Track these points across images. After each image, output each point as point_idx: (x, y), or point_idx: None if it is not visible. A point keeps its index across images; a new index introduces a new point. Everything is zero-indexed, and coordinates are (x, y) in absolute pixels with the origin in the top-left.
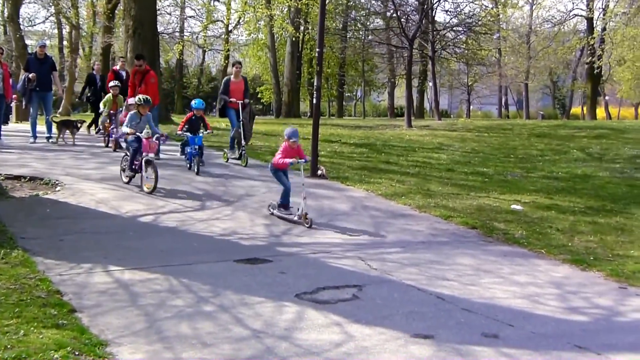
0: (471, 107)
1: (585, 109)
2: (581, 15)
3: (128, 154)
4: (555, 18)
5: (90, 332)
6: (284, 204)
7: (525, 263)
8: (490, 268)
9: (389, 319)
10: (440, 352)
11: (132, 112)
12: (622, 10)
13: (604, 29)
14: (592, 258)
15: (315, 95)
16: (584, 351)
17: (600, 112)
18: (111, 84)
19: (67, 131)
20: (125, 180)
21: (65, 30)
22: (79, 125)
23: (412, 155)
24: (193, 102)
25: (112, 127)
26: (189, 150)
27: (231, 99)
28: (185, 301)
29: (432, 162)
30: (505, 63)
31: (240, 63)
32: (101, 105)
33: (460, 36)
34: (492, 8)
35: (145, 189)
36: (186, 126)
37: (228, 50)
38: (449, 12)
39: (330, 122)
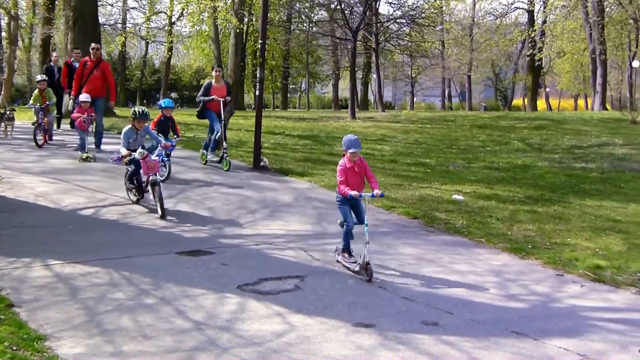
0: (415, 99)
1: (526, 100)
2: (522, 8)
3: (129, 169)
4: (497, 10)
5: (29, 326)
6: (347, 248)
7: (465, 252)
8: (431, 257)
9: (330, 308)
10: (382, 341)
11: (126, 128)
12: (561, 4)
13: (544, 22)
14: (530, 246)
15: (258, 87)
16: (521, 337)
17: (541, 103)
18: (38, 77)
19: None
20: (134, 199)
21: (4, 21)
22: (8, 114)
23: None
24: (162, 102)
25: (39, 120)
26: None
27: (212, 97)
28: (126, 294)
29: (375, 153)
30: (448, 55)
31: (220, 67)
32: (31, 101)
33: (404, 28)
34: (435, 0)
35: (159, 212)
36: (156, 128)
37: (171, 42)
38: (392, 4)
39: (275, 114)
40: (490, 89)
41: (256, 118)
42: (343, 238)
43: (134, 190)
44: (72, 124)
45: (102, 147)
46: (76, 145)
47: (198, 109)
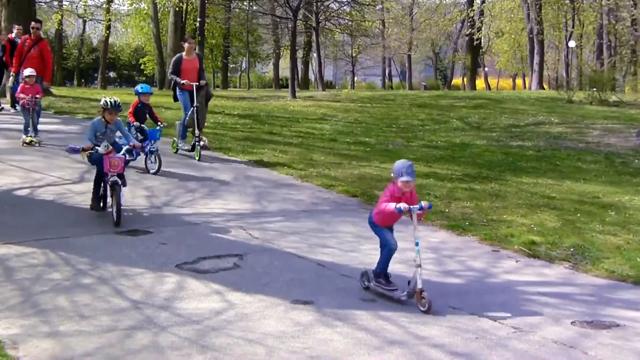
0: (355, 78)
1: (465, 79)
2: None
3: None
4: None
5: None
6: (384, 272)
7: (404, 229)
8: (370, 235)
9: (269, 286)
10: (320, 317)
11: (96, 119)
12: None
13: (483, 2)
14: (467, 223)
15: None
16: (457, 311)
17: (480, 82)
18: None
19: None
20: (98, 206)
21: None
22: None
23: (295, 125)
24: (138, 87)
25: None
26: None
27: (184, 81)
28: (63, 274)
29: (315, 132)
30: (389, 35)
31: (193, 38)
32: None
33: (344, 7)
34: None
35: (115, 218)
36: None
37: (109, 20)
38: None
39: (215, 93)
40: (430, 68)
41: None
42: (380, 261)
43: (98, 195)
44: (13, 103)
45: (39, 127)
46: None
47: (172, 92)
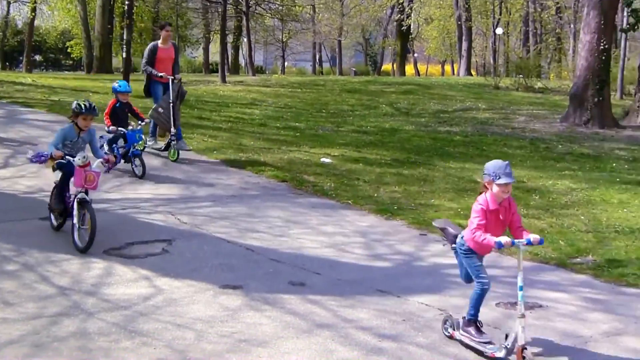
0: (286, 63)
1: (395, 65)
2: None
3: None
4: None
5: None
6: (475, 318)
7: (333, 214)
8: (299, 219)
9: (198, 271)
10: (249, 301)
11: (66, 126)
12: None
13: None
14: (396, 208)
15: (125, 49)
16: (385, 294)
17: (409, 68)
18: None
19: None
20: (55, 223)
21: None
22: None
23: (225, 110)
24: (116, 84)
25: None
26: (117, 149)
27: (161, 74)
28: None
29: (245, 117)
30: (319, 20)
31: (170, 25)
32: None
33: None
34: None
35: (78, 243)
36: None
37: (35, 2)
38: None
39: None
40: (361, 54)
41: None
42: (471, 305)
43: (57, 211)
44: None
45: None
46: None
47: (144, 84)
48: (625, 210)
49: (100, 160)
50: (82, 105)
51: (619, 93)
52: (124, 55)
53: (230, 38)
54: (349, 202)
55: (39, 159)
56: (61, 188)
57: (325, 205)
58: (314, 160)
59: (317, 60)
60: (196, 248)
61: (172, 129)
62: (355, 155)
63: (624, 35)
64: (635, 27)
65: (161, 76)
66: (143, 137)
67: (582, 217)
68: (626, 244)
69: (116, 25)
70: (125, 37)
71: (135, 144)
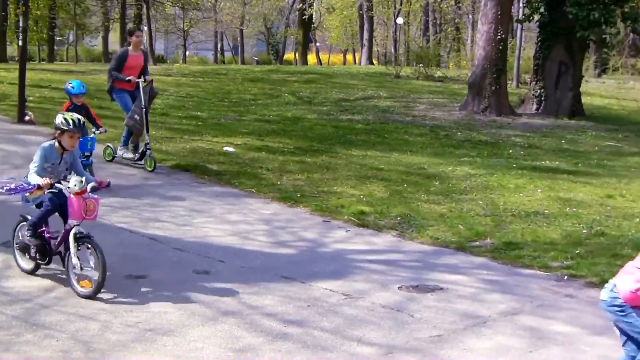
0: (187, 52)
1: (297, 54)
2: None
3: (26, 217)
4: None
5: None
6: None
7: (236, 202)
8: (203, 208)
9: None
10: (153, 291)
11: (46, 144)
12: None
13: None
14: (299, 195)
15: (21, 37)
16: (289, 281)
17: (311, 58)
18: None
19: None
20: (27, 266)
21: None
22: None
23: None
24: (69, 86)
25: None
26: None
27: (128, 78)
28: None
29: None
30: (221, 9)
31: (141, 30)
32: None
33: None
34: None
35: (79, 288)
36: None
37: None
38: None
39: (40, 67)
40: (263, 43)
41: (20, 70)
42: None
43: (33, 248)
44: None
45: None
46: None
47: (109, 90)
48: (521, 194)
49: (92, 183)
50: (70, 121)
51: (515, 82)
52: (20, 43)
53: (130, 26)
54: (252, 190)
55: (19, 191)
56: (38, 225)
57: (228, 193)
58: (217, 149)
59: (219, 50)
60: (99, 239)
61: (147, 136)
62: (258, 144)
63: (519, 25)
64: (531, 18)
65: (129, 80)
66: (96, 145)
67: (481, 202)
68: (522, 227)
69: (10, 12)
70: (21, 25)
71: (85, 152)
